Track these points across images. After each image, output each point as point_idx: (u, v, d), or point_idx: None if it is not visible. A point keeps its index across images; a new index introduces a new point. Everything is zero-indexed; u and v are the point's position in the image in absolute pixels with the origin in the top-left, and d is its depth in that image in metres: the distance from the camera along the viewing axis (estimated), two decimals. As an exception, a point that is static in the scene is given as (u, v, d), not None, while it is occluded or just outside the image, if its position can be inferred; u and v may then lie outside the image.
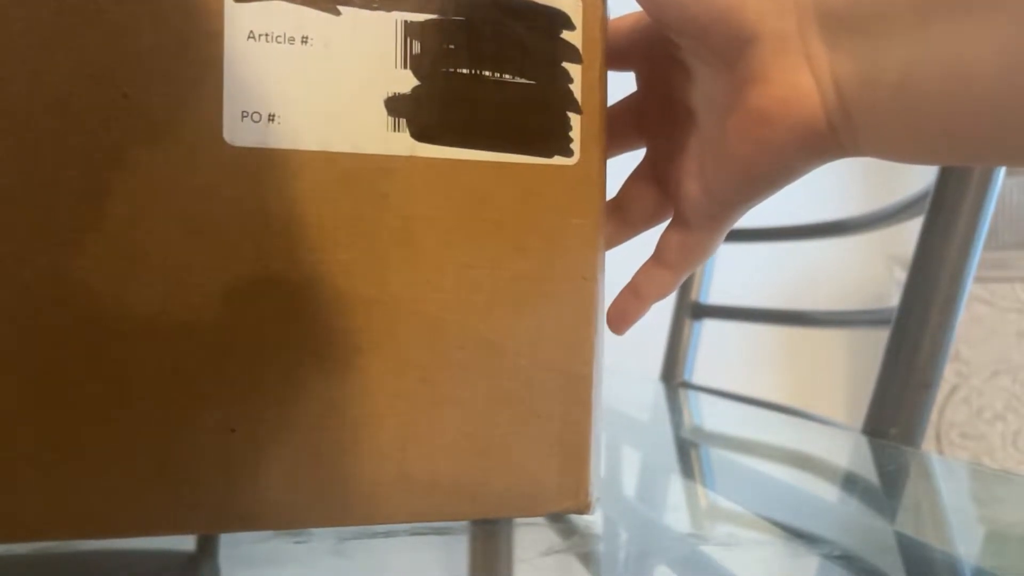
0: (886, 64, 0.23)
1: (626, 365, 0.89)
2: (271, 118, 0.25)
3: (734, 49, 0.26)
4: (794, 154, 0.26)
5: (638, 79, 0.33)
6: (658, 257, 0.32)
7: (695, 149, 0.30)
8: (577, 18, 0.28)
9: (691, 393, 0.84)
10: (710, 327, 1.02)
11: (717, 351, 1.36)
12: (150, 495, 0.24)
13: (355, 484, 0.26)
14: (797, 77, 0.25)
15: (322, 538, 0.28)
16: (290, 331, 0.25)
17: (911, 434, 0.60)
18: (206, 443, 0.25)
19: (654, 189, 0.33)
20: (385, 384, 0.26)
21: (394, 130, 0.26)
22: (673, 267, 0.32)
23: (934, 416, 1.72)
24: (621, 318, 0.33)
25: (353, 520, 0.26)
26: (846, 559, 0.28)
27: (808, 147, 0.26)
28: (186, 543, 0.28)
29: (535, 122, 0.28)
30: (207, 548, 0.28)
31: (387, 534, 0.29)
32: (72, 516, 0.24)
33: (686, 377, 0.99)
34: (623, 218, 0.34)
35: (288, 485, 0.26)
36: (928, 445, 1.73)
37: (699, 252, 0.32)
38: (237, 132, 0.25)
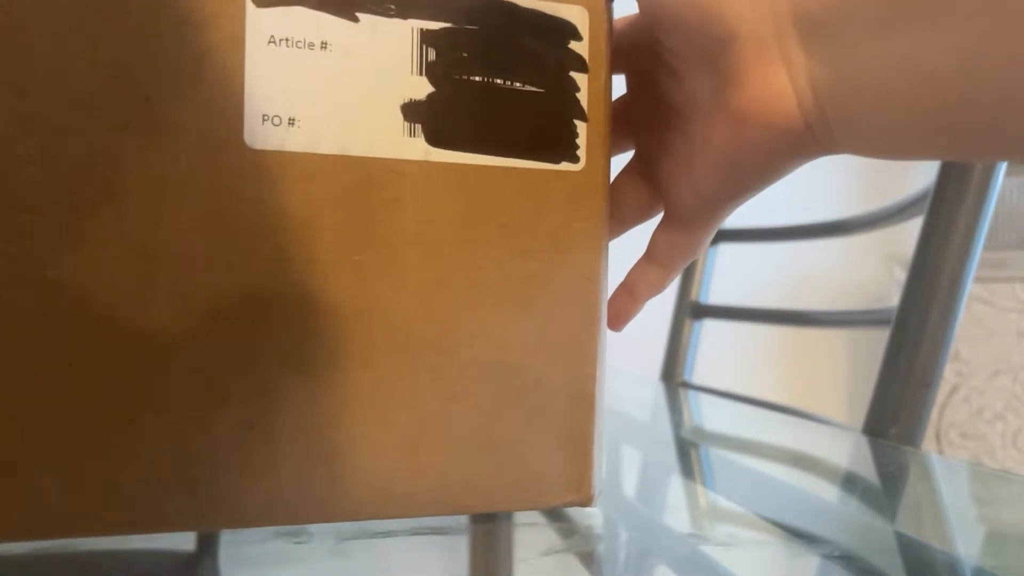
0: (856, 68, 0.24)
1: (626, 365, 0.89)
2: (291, 122, 0.25)
3: (715, 50, 0.27)
4: (775, 153, 0.27)
5: (627, 81, 0.34)
6: (650, 255, 0.33)
7: (682, 149, 0.31)
8: (584, 29, 0.29)
9: (691, 393, 0.84)
10: (710, 327, 1.02)
11: (717, 351, 1.36)
12: (169, 492, 0.25)
13: (369, 479, 0.27)
14: (775, 79, 0.26)
15: (322, 538, 0.28)
16: (308, 329, 0.26)
17: (911, 434, 0.60)
18: (225, 440, 0.25)
19: (644, 187, 0.34)
20: (399, 382, 0.27)
21: (409, 135, 0.27)
22: (665, 265, 0.33)
23: (934, 416, 1.72)
24: (618, 316, 0.34)
25: (365, 515, 0.27)
26: (846, 559, 0.28)
27: (788, 146, 0.27)
28: (186, 543, 0.28)
29: (544, 129, 0.28)
30: (207, 548, 0.28)
31: (387, 534, 0.29)
32: (92, 514, 0.24)
33: (686, 377, 0.99)
34: (614, 215, 0.34)
35: (303, 481, 0.26)
36: (928, 445, 1.73)
37: (689, 249, 0.32)
38: (258, 135, 0.25)
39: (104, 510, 0.24)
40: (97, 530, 0.24)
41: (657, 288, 0.33)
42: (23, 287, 0.23)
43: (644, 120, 0.33)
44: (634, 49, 0.32)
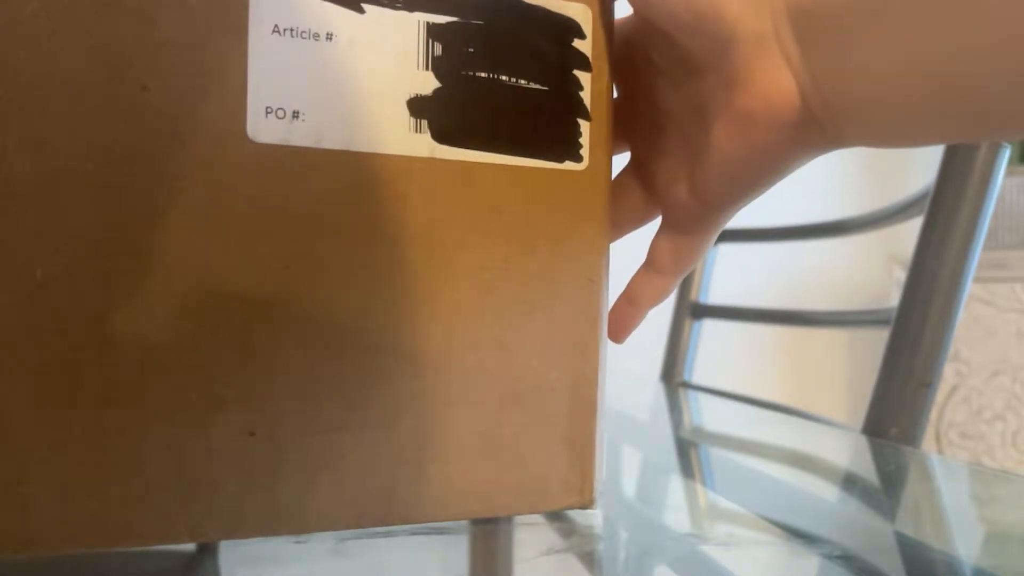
0: (854, 58, 0.24)
1: (626, 365, 0.89)
2: (295, 115, 0.25)
3: (715, 51, 0.26)
4: (783, 151, 0.27)
5: (616, 85, 0.34)
6: (651, 263, 0.33)
7: (680, 154, 0.31)
8: (587, 27, 0.28)
9: (691, 393, 0.84)
10: (710, 327, 1.02)
11: (717, 351, 1.36)
12: (166, 502, 0.24)
13: (372, 486, 0.26)
14: (778, 76, 0.26)
15: (322, 538, 0.28)
16: (309, 332, 0.25)
17: (911, 434, 0.60)
18: (224, 447, 0.24)
19: (640, 192, 0.33)
20: (403, 385, 0.26)
21: (415, 131, 0.26)
22: (666, 272, 0.32)
23: (934, 416, 1.72)
24: (619, 327, 0.33)
25: (367, 523, 0.26)
26: (846, 559, 0.28)
27: (796, 143, 0.27)
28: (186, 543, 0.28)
29: (548, 127, 0.28)
30: (207, 548, 0.28)
31: (387, 534, 0.29)
32: (88, 526, 0.23)
33: (686, 377, 0.99)
34: (611, 219, 0.34)
35: (305, 488, 0.25)
36: (928, 445, 1.73)
37: (691, 256, 0.32)
38: (261, 128, 0.24)
39: (98, 522, 0.23)
40: (90, 543, 0.23)
41: (660, 296, 0.33)
42: (10, 288, 0.22)
43: (637, 123, 0.33)
44: (625, 52, 0.31)
